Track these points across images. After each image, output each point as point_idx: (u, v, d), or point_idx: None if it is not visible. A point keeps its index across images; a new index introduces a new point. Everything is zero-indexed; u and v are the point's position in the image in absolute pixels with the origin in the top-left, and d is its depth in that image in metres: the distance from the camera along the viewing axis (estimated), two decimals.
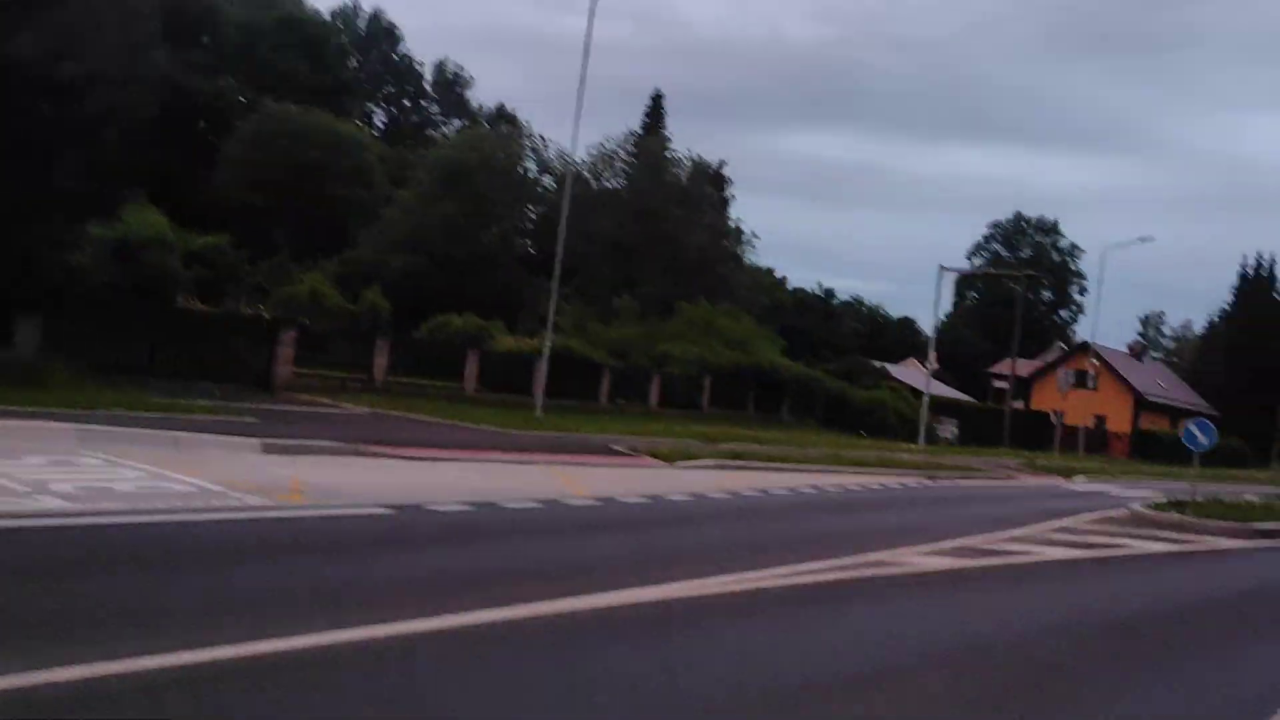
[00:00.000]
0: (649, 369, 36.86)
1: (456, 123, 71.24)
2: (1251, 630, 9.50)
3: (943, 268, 37.45)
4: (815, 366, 47.54)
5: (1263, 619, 10.26)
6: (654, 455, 19.17)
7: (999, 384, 68.50)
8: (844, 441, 32.72)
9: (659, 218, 44.97)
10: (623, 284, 47.16)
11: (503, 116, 68.37)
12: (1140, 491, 26.05)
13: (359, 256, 47.04)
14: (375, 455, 14.78)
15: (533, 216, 56.19)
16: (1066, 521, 16.46)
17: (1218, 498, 23.10)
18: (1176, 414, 68.47)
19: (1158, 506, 19.05)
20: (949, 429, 49.07)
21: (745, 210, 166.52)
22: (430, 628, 5.90)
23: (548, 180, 55.12)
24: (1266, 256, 76.11)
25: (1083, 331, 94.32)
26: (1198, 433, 18.39)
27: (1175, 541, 15.37)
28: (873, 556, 10.36)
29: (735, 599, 7.84)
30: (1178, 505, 19.02)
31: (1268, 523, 18.71)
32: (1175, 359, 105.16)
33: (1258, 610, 10.80)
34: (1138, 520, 18.04)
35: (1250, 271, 75.91)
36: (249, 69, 57.42)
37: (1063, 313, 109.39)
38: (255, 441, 14.00)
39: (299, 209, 51.22)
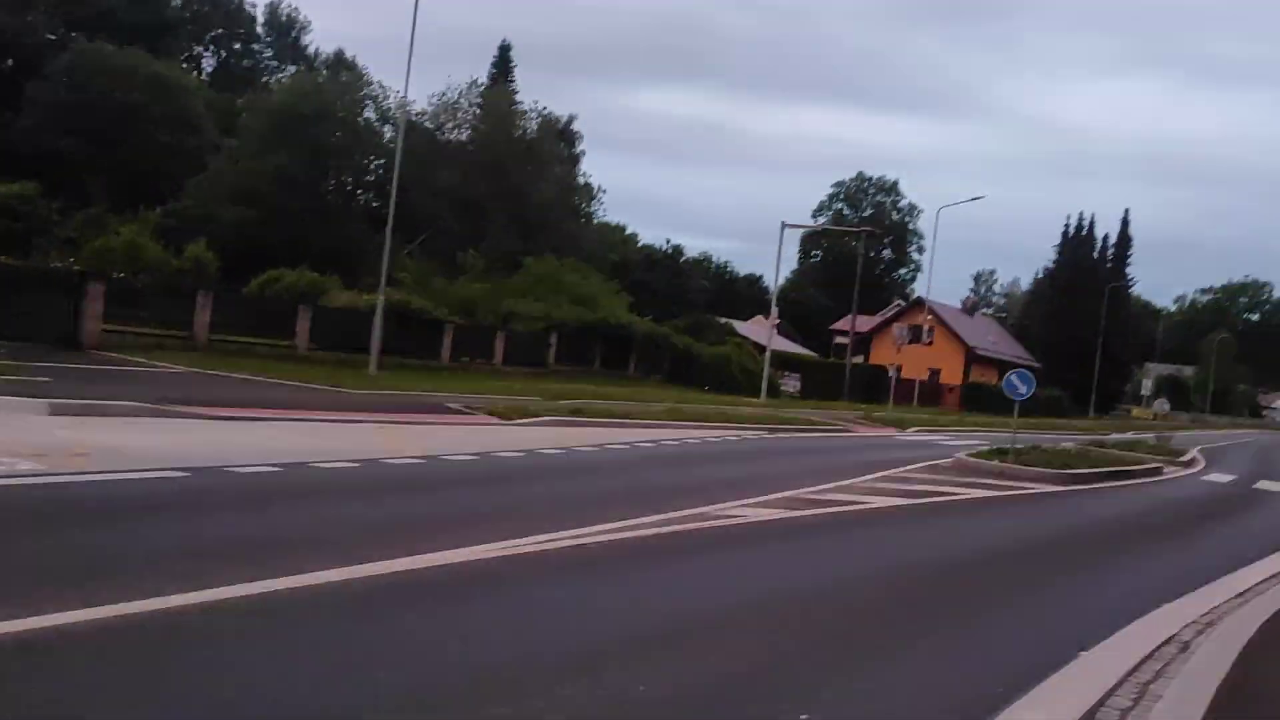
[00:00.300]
0: (494, 326, 36.13)
1: (292, 69, 67.89)
2: (1064, 570, 9.78)
3: (785, 224, 37.98)
4: (663, 323, 47.67)
5: (1073, 560, 10.59)
6: (491, 413, 18.66)
7: (840, 340, 70.45)
8: (688, 396, 32.89)
9: (506, 172, 43.98)
10: (470, 239, 46.10)
11: (342, 63, 65.60)
12: (968, 441, 27.10)
13: (185, 209, 44.40)
14: (183, 416, 13.78)
15: (377, 169, 54.20)
16: (896, 471, 16.83)
17: (1037, 445, 24.18)
18: (1004, 366, 71.88)
19: (981, 455, 19.74)
20: (792, 383, 50.17)
21: (596, 166, 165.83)
22: (197, 601, 5.33)
23: (390, 131, 53.21)
24: (1087, 217, 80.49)
25: (921, 289, 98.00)
26: (1018, 383, 19.06)
27: (995, 488, 15.89)
28: (702, 510, 10.20)
29: (551, 558, 7.50)
30: (999, 453, 19.76)
31: (1080, 468, 19.65)
32: (1004, 314, 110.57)
33: (1069, 552, 11.16)
34: (962, 468, 18.62)
35: (1072, 231, 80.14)
36: (59, 3, 53.22)
37: (902, 271, 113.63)
38: (43, 402, 12.82)
39: (118, 157, 47.96)
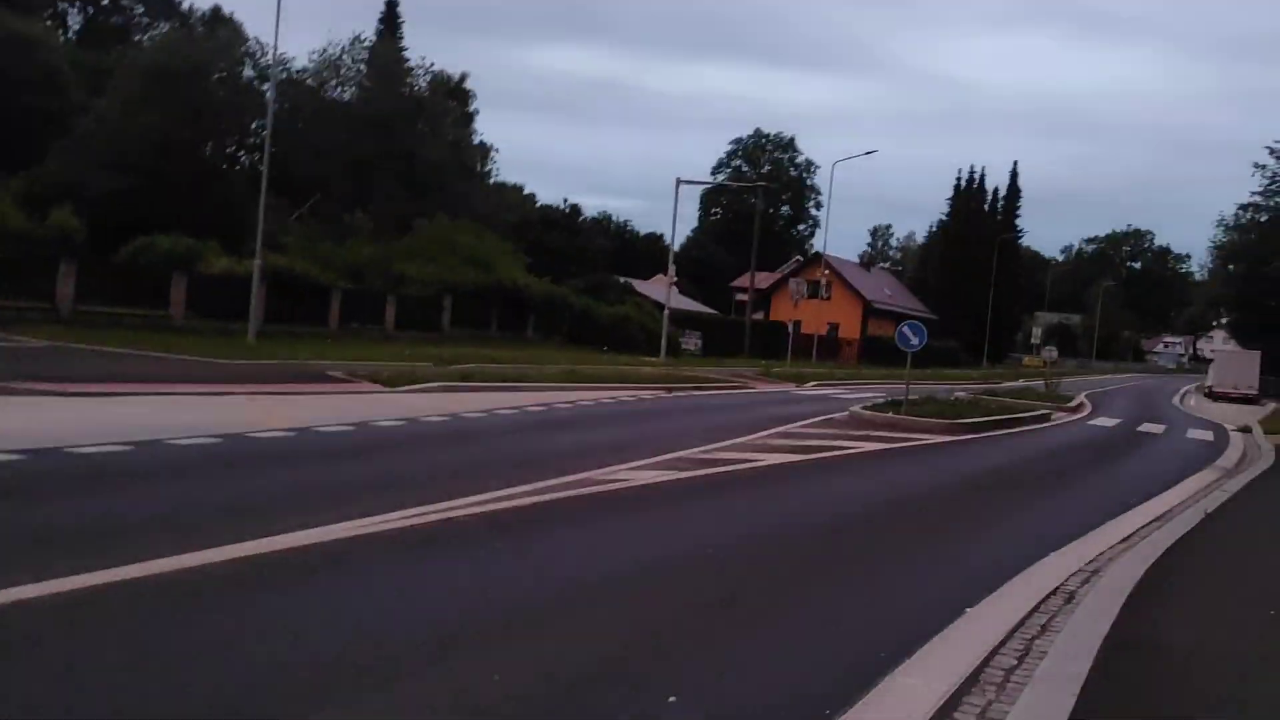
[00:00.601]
0: (385, 291, 35.02)
1: (165, 26, 64.56)
2: (955, 522, 9.66)
3: (679, 180, 37.58)
4: (562, 283, 47.00)
5: (964, 512, 10.51)
6: (374, 380, 17.92)
7: (741, 297, 70.63)
8: (586, 358, 32.42)
9: (394, 131, 42.49)
10: (358, 201, 44.53)
11: (219, 20, 62.52)
12: (864, 394, 27.31)
13: (50, 174, 41.83)
14: (30, 393, 12.79)
15: (259, 130, 51.86)
16: (791, 427, 16.68)
17: (932, 396, 24.45)
18: (901, 319, 72.95)
19: (875, 407, 19.78)
20: (693, 341, 50.07)
21: (492, 126, 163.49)
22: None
23: (271, 91, 50.90)
24: (978, 170, 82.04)
25: (820, 245, 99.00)
26: (910, 334, 19.09)
27: (889, 440, 15.86)
28: (585, 475, 9.80)
29: (414, 534, 6.99)
30: (893, 405, 19.82)
31: (972, 417, 19.84)
32: (900, 269, 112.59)
33: (960, 503, 11.09)
34: (856, 421, 18.61)
35: (963, 184, 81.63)
36: None
37: (801, 227, 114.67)
38: None
39: None
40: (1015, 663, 5.32)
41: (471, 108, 71.32)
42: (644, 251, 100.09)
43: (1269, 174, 64.05)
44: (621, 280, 53.86)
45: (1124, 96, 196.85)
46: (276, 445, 10.48)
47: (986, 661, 5.29)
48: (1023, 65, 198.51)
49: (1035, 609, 6.47)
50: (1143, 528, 10.02)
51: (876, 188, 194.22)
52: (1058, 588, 7.06)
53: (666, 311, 38.30)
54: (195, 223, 38.36)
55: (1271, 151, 64.19)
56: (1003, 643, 5.66)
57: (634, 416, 17.09)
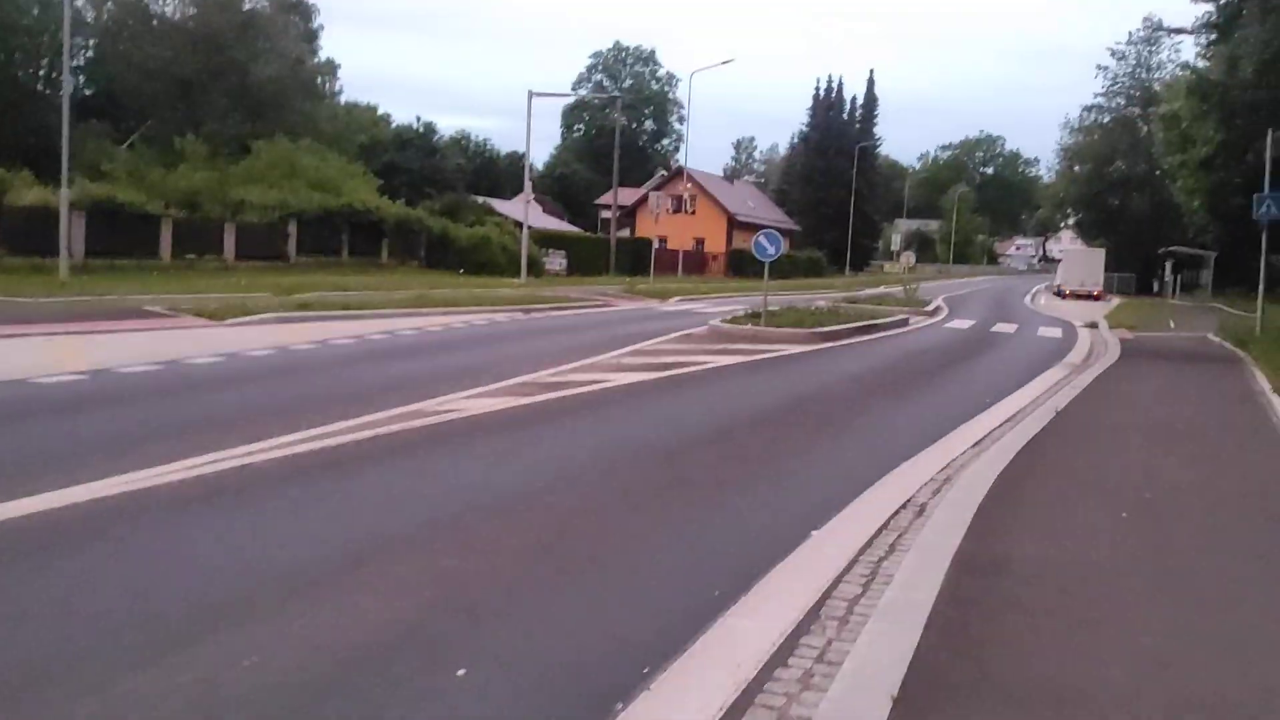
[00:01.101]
0: (222, 218, 32.86)
1: None
2: (808, 435, 9.27)
3: (532, 93, 36.13)
4: (418, 205, 45.21)
5: (818, 423, 10.14)
6: (200, 314, 16.56)
7: (607, 214, 69.69)
8: (443, 281, 31.25)
9: (223, 46, 39.62)
10: (191, 125, 41.64)
11: None
12: (728, 307, 27.05)
13: None
14: None
15: (82, 51, 47.84)
16: (648, 344, 16.14)
17: (793, 306, 24.33)
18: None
19: (734, 320, 19.42)
20: (557, 261, 49.04)
21: (344, 45, 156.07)
22: None
23: (93, 9, 46.85)
24: (836, 80, 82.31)
25: (685, 158, 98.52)
26: (766, 244, 18.70)
27: (748, 353, 15.48)
28: (416, 406, 9.02)
29: (197, 486, 6.13)
30: (753, 317, 19.49)
31: (831, 325, 19.68)
32: (765, 181, 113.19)
33: (814, 414, 10.74)
34: (715, 335, 18.21)
35: (822, 94, 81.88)
36: None
37: (665, 142, 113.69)
38: None
39: None
40: (860, 591, 4.86)
41: (315, 23, 67.77)
42: (505, 171, 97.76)
43: (1110, 76, 66.16)
44: (480, 200, 52.15)
45: (975, 6, 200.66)
46: (62, 392, 9.31)
47: (829, 592, 4.81)
48: None
49: (884, 526, 6.07)
50: (995, 429, 9.84)
51: (740, 101, 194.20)
52: (908, 501, 6.69)
53: (525, 231, 37.18)
54: (3, 150, 35.27)
55: (1112, 53, 66.29)
56: (848, 568, 5.21)
57: (482, 340, 16.26)
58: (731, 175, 79.47)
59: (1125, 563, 5.36)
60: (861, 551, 5.50)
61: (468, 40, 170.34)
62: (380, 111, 75.39)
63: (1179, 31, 21.03)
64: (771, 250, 18.71)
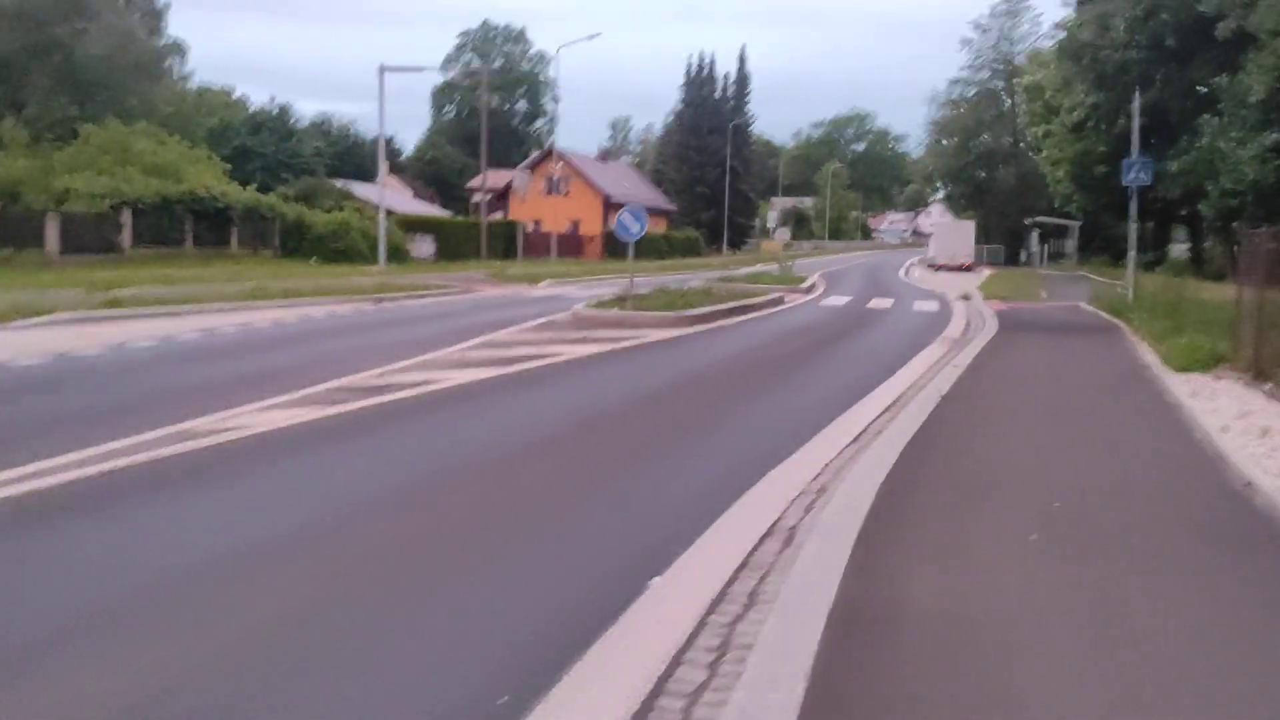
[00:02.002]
0: (44, 209, 29.92)
1: None
2: (665, 437, 8.01)
3: (384, 67, 34.00)
4: (272, 191, 42.57)
5: (679, 420, 8.90)
6: None
7: (480, 197, 67.61)
8: (293, 271, 29.07)
9: (39, 22, 36.23)
10: (11, 109, 38.13)
11: None
12: (599, 289, 25.77)
13: None
14: None
15: None
16: (501, 334, 14.70)
17: (665, 287, 23.12)
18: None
19: (600, 304, 18.11)
20: (424, 247, 46.99)
21: (204, 27, 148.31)
22: None
23: None
24: (708, 57, 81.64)
25: (562, 140, 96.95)
26: (629, 222, 17.42)
27: (611, 340, 14.19)
28: (190, 425, 7.40)
29: None
30: (620, 301, 18.22)
31: (702, 307, 18.55)
32: (640, 161, 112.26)
33: (677, 409, 9.50)
34: (578, 322, 16.87)
35: (694, 72, 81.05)
36: None
37: (539, 122, 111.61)
38: None
39: None
40: (705, 677, 3.57)
41: (160, 2, 63.72)
42: (371, 155, 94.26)
43: (974, 49, 67.11)
44: (339, 184, 49.54)
45: None
46: None
47: (662, 684, 3.51)
48: None
49: (744, 563, 4.83)
50: (876, 419, 8.77)
51: (615, 82, 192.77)
52: (775, 524, 5.48)
53: (382, 214, 35.11)
54: None
55: (976, 26, 67.22)
56: (692, 637, 3.93)
57: (312, 337, 14.52)
58: (606, 155, 77.95)
59: (1042, 608, 4.21)
60: (711, 608, 4.24)
61: (332, 23, 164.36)
62: (238, 95, 71.68)
63: None
64: (635, 229, 17.44)
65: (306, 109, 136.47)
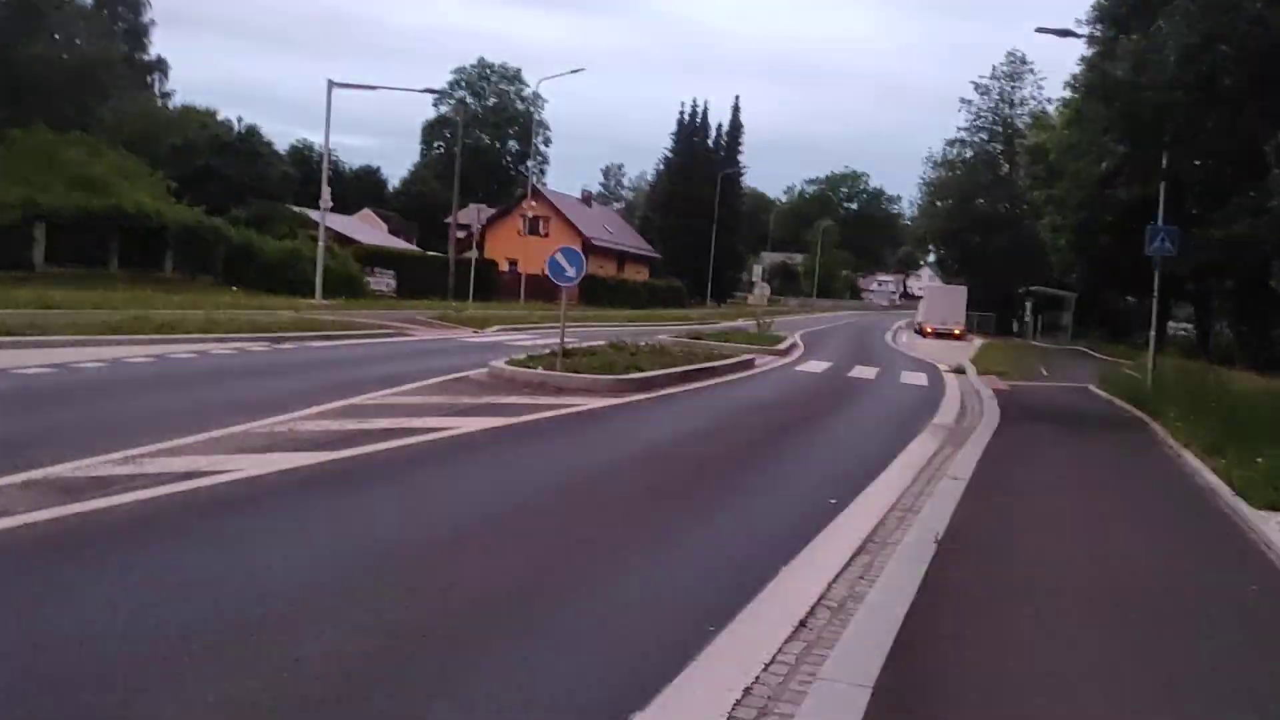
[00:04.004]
0: None
1: None
2: (545, 577, 4.96)
3: (332, 83, 31.21)
4: (224, 214, 39.69)
5: (567, 552, 5.85)
6: None
7: (459, 233, 64.91)
8: (215, 299, 25.98)
9: None
10: None
11: None
12: (552, 339, 22.88)
13: None
14: None
15: None
16: (383, 393, 11.66)
17: (617, 342, 20.17)
18: (623, 258, 69.86)
19: (524, 362, 15.08)
20: (384, 281, 44.11)
21: (217, 57, 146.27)
22: None
23: None
24: (700, 105, 79.48)
25: (552, 181, 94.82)
26: (564, 263, 14.45)
27: (519, 410, 11.17)
28: None
29: None
30: (549, 358, 15.22)
31: (651, 370, 15.59)
32: (627, 207, 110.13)
33: (567, 530, 6.47)
34: (492, 382, 13.85)
35: (687, 119, 78.89)
36: None
37: (530, 164, 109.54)
38: None
39: None
40: None
41: (145, 18, 61.67)
42: (351, 185, 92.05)
43: (974, 110, 65.08)
44: (296, 210, 46.63)
45: (843, 47, 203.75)
46: None
47: None
48: (754, 14, 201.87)
49: None
50: (831, 585, 5.74)
51: (614, 130, 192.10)
52: None
53: (321, 243, 32.14)
54: None
55: (976, 87, 65.25)
56: None
57: (109, 389, 11.28)
58: (589, 197, 75.29)
59: None
60: None
61: (343, 56, 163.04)
62: (224, 118, 69.04)
63: (1065, 34, 17.71)
64: (570, 271, 14.46)
65: (308, 138, 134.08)
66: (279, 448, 7.97)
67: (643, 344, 20.44)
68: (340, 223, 62.39)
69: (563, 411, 11.60)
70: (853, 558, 6.32)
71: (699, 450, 10.18)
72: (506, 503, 7.15)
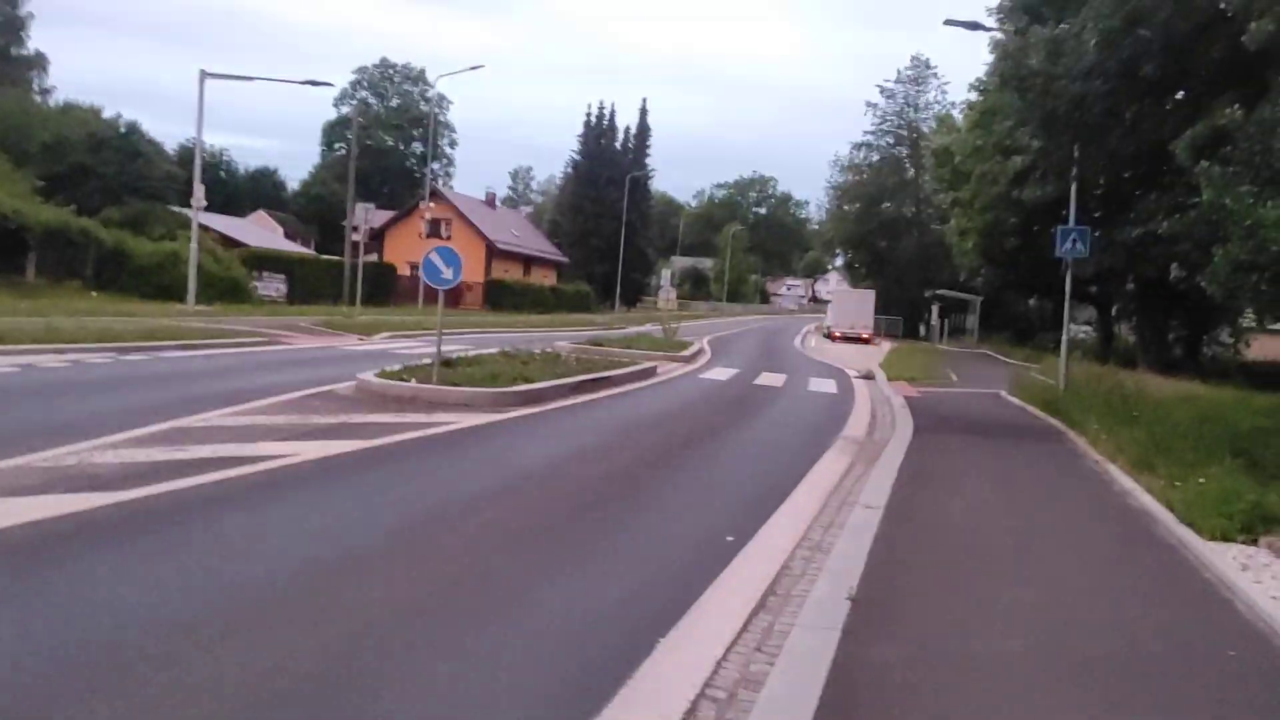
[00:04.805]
0: None
1: None
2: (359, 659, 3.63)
3: (204, 73, 29.17)
4: (96, 214, 37.09)
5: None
6: None
7: (356, 237, 62.57)
8: (69, 305, 23.79)
9: None
10: None
11: None
12: (448, 348, 21.45)
13: None
14: None
15: None
16: (226, 411, 10.16)
17: (510, 350, 18.84)
18: (529, 261, 68.22)
19: (398, 374, 13.64)
20: (273, 286, 41.87)
21: (113, 56, 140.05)
22: None
23: None
24: (608, 107, 78.30)
25: (459, 184, 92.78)
26: (440, 264, 13.06)
27: (382, 432, 9.77)
28: None
29: None
30: (422, 370, 13.82)
31: (542, 381, 14.30)
32: (533, 210, 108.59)
33: (410, 584, 5.13)
34: (360, 396, 12.40)
35: (594, 120, 77.64)
36: None
37: (436, 166, 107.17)
38: None
39: None
40: None
41: (22, 10, 58.43)
42: (245, 187, 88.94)
43: (879, 113, 65.25)
44: (178, 211, 44.05)
45: (753, 54, 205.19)
46: None
47: None
48: (663, 21, 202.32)
49: None
50: (730, 649, 4.56)
51: (522, 134, 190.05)
52: None
53: (194, 244, 30.03)
54: None
55: (882, 91, 65.43)
56: None
57: None
58: (494, 200, 73.42)
59: None
60: None
61: (238, 57, 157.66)
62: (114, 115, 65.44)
63: (975, 27, 16.95)
64: (447, 274, 13.07)
65: (219, 141, 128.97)
66: (55, 487, 6.47)
67: (538, 352, 19.14)
68: (230, 225, 59.67)
69: (430, 431, 10.22)
70: (750, 619, 5.14)
71: (581, 476, 8.91)
72: (315, 558, 5.75)
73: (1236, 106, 10.10)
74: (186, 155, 71.82)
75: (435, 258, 13.01)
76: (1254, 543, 6.88)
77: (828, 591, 5.44)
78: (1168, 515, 7.64)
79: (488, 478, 8.42)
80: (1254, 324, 40.80)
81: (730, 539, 6.82)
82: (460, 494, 7.74)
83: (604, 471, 9.17)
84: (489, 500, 7.54)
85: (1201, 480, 7.96)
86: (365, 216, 31.84)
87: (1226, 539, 6.86)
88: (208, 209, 59.97)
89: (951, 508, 8.16)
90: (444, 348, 20.52)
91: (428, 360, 15.72)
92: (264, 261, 42.58)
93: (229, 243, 45.16)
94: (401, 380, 12.95)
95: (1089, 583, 6.09)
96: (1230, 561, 6.33)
